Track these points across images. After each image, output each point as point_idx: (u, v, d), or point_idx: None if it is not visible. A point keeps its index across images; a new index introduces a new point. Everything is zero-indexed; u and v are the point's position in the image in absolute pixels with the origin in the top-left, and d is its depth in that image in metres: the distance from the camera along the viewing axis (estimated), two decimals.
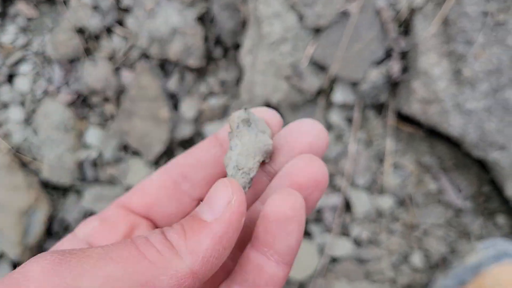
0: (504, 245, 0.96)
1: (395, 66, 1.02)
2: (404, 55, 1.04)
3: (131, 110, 1.13)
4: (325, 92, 1.08)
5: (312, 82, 1.02)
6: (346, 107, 1.09)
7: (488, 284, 0.92)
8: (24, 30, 1.17)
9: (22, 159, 1.19)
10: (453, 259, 1.12)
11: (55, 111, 1.15)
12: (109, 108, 1.16)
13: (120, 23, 1.12)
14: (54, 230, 1.25)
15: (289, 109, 1.10)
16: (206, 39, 1.09)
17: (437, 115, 1.02)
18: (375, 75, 1.02)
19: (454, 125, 1.01)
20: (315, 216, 1.17)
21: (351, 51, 1.00)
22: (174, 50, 1.08)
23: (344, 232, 1.17)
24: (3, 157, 1.15)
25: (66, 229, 1.26)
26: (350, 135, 1.11)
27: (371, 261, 1.17)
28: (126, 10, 1.11)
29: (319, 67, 1.03)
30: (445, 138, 1.07)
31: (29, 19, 1.17)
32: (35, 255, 1.25)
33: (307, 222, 1.17)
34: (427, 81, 1.01)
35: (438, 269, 1.13)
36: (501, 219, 1.08)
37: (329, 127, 1.11)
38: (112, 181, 1.19)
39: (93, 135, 1.17)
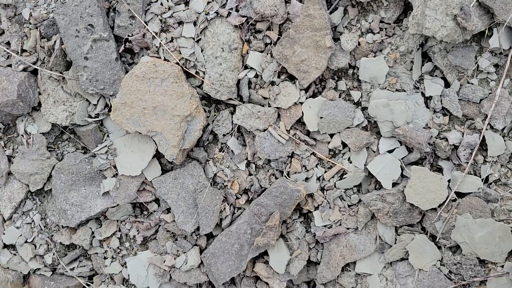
0: None
1: None
2: None
3: (295, 38, 1.24)
4: (482, 36, 1.16)
5: (477, 23, 1.10)
6: (498, 53, 1.17)
7: None
8: None
9: (188, 72, 1.33)
10: None
11: (223, 32, 1.28)
12: (272, 34, 1.28)
13: None
14: (202, 140, 1.39)
15: (445, 49, 1.19)
16: None
17: None
18: None
19: None
20: (448, 155, 1.25)
21: None
22: None
23: (475, 171, 1.25)
24: (173, 67, 1.29)
25: (213, 141, 1.40)
26: (497, 80, 1.18)
27: (498, 201, 1.25)
28: None
29: (485, 10, 1.11)
30: None
31: None
32: (185, 158, 1.37)
33: (438, 157, 1.26)
34: None
35: None
36: None
37: (477, 69, 1.19)
38: (262, 102, 1.32)
39: (253, 58, 1.29)
